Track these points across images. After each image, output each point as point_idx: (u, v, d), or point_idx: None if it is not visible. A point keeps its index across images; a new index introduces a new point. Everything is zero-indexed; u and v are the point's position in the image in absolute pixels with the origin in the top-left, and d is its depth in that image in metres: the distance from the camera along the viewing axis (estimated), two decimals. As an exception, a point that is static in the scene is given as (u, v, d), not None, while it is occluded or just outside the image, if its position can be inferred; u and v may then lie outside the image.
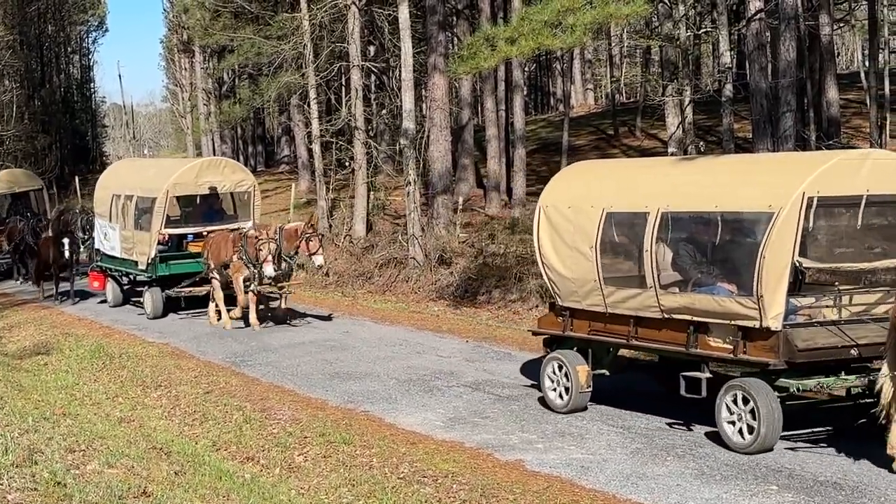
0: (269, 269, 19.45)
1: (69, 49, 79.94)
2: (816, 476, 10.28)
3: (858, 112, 31.27)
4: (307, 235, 19.82)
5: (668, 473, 10.61)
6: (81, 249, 26.11)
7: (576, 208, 13.27)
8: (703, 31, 26.73)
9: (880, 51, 25.18)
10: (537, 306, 21.23)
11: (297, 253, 20.30)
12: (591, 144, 38.61)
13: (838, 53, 45.72)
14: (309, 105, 32.78)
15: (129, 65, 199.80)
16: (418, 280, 24.70)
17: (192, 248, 22.64)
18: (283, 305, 20.94)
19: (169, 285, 22.47)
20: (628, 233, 13.10)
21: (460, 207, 29.06)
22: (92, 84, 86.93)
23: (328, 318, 21.40)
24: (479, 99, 40.80)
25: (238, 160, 54.63)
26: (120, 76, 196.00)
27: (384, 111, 37.39)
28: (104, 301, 25.02)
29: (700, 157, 17.00)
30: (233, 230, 21.36)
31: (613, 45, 51.61)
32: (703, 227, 12.24)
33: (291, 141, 47.91)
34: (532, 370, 15.17)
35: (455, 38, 35.95)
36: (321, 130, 32.28)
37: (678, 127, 21.22)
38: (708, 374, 11.64)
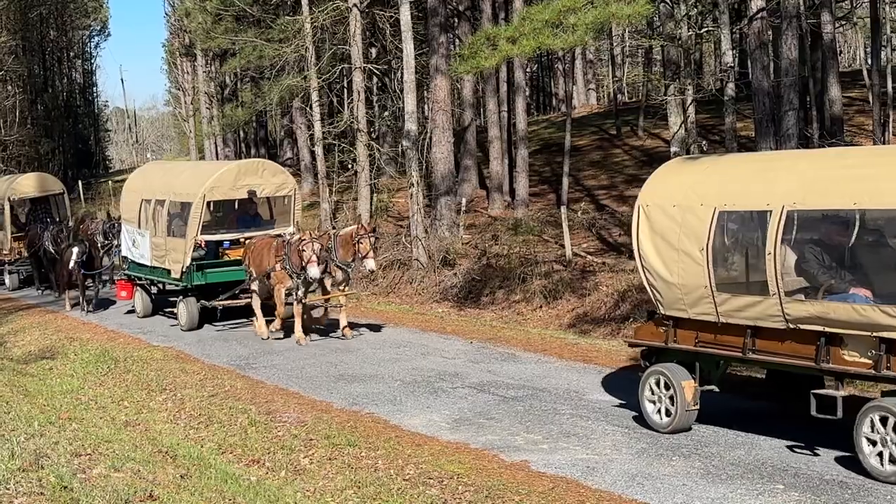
0: (313, 271, 17.92)
1: (71, 54, 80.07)
2: (822, 475, 10.27)
3: (861, 110, 31.24)
4: (359, 236, 18.61)
5: (673, 473, 10.60)
6: (101, 254, 25.07)
7: (683, 207, 11.92)
8: (704, 30, 26.72)
9: (883, 48, 25.17)
10: (541, 306, 21.27)
11: (353, 260, 18.96)
12: (593, 145, 38.62)
13: (840, 51, 45.70)
14: (311, 108, 32.80)
15: (132, 69, 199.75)
16: (422, 282, 24.71)
17: (230, 256, 21.58)
18: (344, 319, 19.40)
19: (205, 295, 21.19)
20: (746, 234, 11.96)
21: (463, 209, 29.08)
22: (94, 88, 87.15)
23: (379, 328, 20.16)
24: (481, 100, 40.78)
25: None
26: (122, 80, 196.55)
27: (386, 113, 37.42)
28: (132, 311, 23.79)
29: (830, 150, 15.84)
30: (274, 237, 20.07)
31: (615, 44, 51.59)
32: (837, 227, 11.03)
33: (294, 144, 47.98)
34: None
35: (457, 40, 35.94)
36: (324, 133, 32.30)
37: (680, 126, 21.19)
38: (844, 393, 10.51)
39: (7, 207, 30.98)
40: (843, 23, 34.63)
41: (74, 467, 10.44)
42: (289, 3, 37.99)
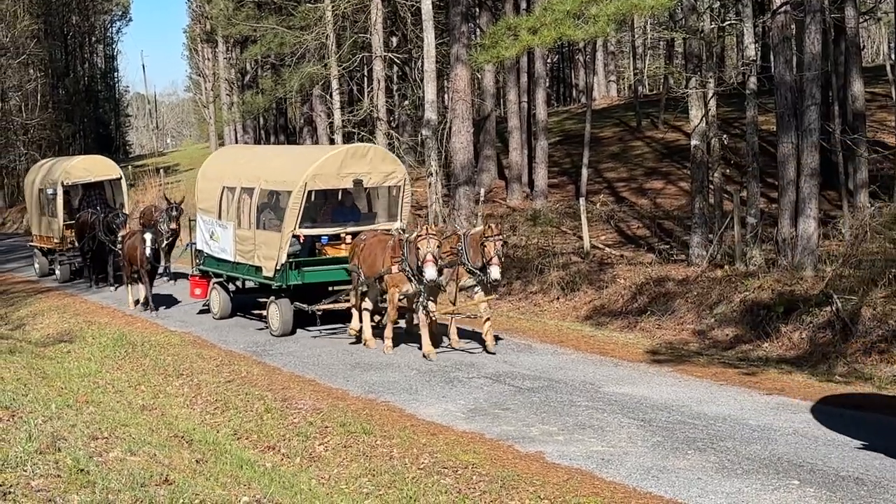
0: (430, 271, 15.65)
1: (93, 38, 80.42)
2: (838, 471, 10.23)
3: (884, 105, 31.08)
4: (485, 238, 16.20)
5: (688, 467, 10.58)
6: (164, 245, 22.63)
7: None
8: (727, 23, 26.59)
9: (906, 44, 25.00)
10: (558, 298, 21.24)
11: (488, 264, 16.13)
12: (614, 136, 38.53)
13: (864, 46, 45.45)
14: (331, 95, 32.84)
15: (153, 54, 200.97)
16: (439, 271, 24.64)
17: (330, 252, 19.12)
18: (488, 338, 16.74)
19: (300, 296, 18.88)
20: None
21: (482, 199, 29.06)
22: (115, 73, 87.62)
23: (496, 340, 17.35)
24: (501, 90, 40.77)
25: (260, 150, 54.77)
26: (143, 66, 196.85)
27: (406, 102, 37.43)
28: (205, 311, 21.60)
29: None
30: (384, 233, 17.91)
31: (637, 36, 51.43)
32: None
33: (314, 131, 48.00)
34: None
35: (478, 29, 35.92)
36: (343, 121, 32.34)
37: (702, 120, 21.09)
38: None
39: (60, 192, 28.29)
40: (867, 18, 34.40)
41: (91, 450, 10.48)
42: (310, -10, 38.01)
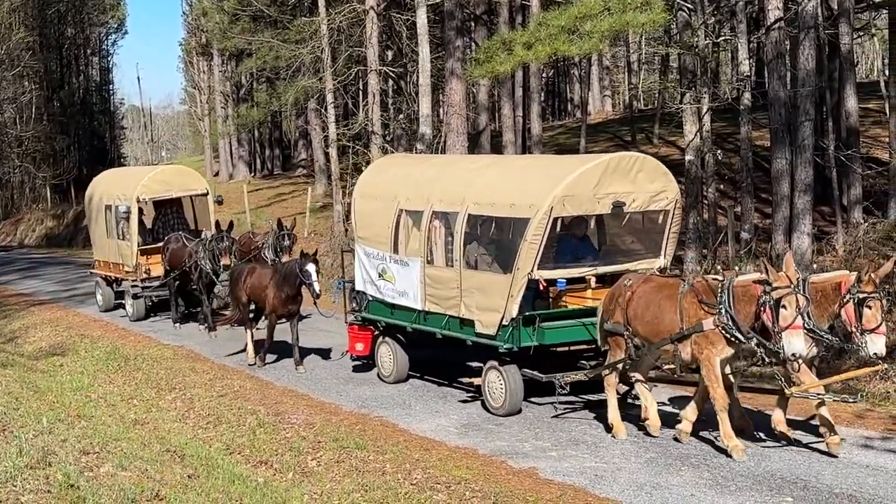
0: (797, 343, 10.54)
1: (88, 51, 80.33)
2: (832, 488, 10.21)
3: (878, 121, 31.09)
4: (867, 297, 10.58)
5: (682, 483, 10.55)
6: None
7: None
8: (721, 39, 26.66)
9: (900, 60, 24.98)
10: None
11: (868, 331, 10.61)
12: (608, 151, 38.51)
13: (857, 62, 45.61)
14: (326, 109, 32.86)
15: (148, 67, 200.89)
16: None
17: (568, 303, 14.09)
18: (827, 416, 11.38)
19: (528, 360, 13.61)
20: None
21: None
22: (111, 86, 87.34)
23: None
24: (496, 104, 40.79)
25: (255, 163, 54.75)
26: (139, 78, 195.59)
27: (401, 116, 37.40)
28: (362, 367, 17.05)
29: None
30: (663, 274, 13.36)
31: (632, 51, 51.54)
32: None
33: (308, 145, 48.07)
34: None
35: (473, 44, 35.96)
36: (338, 134, 32.33)
37: (696, 135, 21.13)
38: None
39: (135, 210, 22.77)
40: (861, 34, 34.49)
41: (82, 465, 10.45)
42: (306, 4, 38.08)
